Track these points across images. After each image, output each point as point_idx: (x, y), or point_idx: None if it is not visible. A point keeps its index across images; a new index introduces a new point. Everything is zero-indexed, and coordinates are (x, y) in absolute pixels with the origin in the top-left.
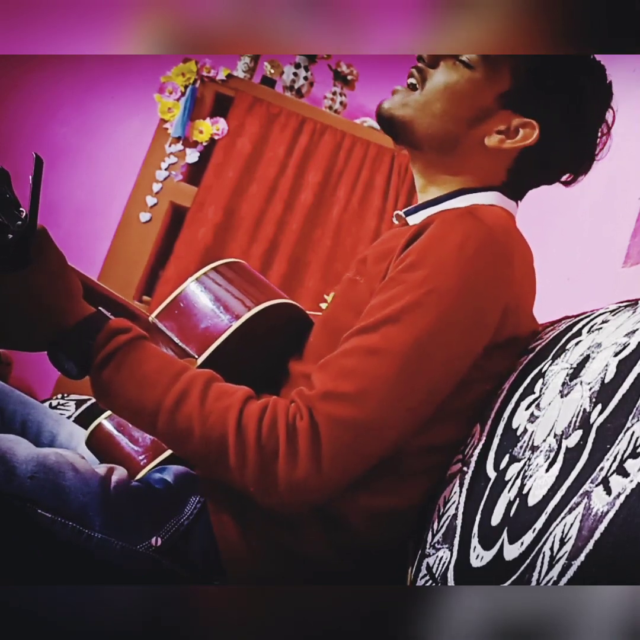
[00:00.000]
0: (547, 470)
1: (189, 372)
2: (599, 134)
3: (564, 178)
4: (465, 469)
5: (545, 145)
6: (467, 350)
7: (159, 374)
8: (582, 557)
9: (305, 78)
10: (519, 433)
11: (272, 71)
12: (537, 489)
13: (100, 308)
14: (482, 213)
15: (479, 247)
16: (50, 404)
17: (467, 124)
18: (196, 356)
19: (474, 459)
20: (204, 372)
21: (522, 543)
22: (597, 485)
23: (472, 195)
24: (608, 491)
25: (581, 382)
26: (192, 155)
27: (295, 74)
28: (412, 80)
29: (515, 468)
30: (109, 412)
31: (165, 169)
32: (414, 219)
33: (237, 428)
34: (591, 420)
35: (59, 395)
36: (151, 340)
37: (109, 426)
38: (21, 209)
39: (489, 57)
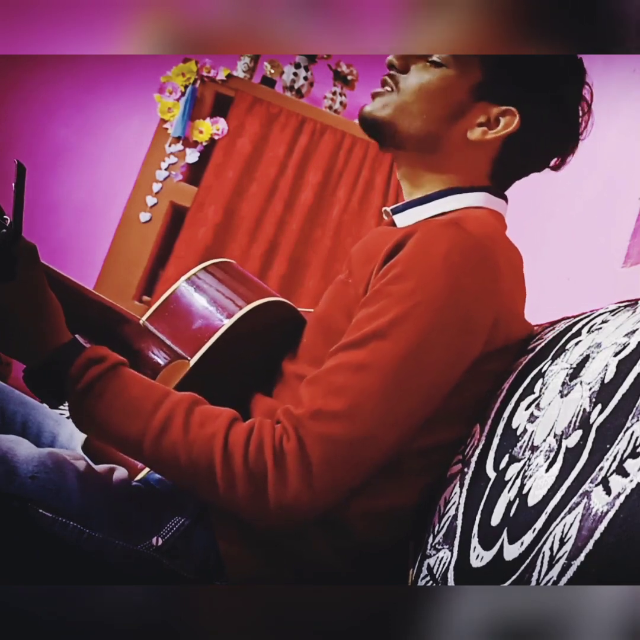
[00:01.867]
0: (547, 470)
1: (170, 398)
2: (580, 113)
3: (552, 163)
4: (465, 469)
5: (527, 131)
6: (457, 361)
7: (140, 402)
8: (581, 557)
9: (305, 78)
10: (518, 433)
11: (272, 71)
12: (537, 489)
13: (76, 336)
14: (467, 222)
15: (464, 258)
16: None
17: (447, 121)
18: (188, 358)
19: (474, 459)
20: (185, 396)
21: (522, 543)
22: (596, 485)
23: (461, 195)
24: (608, 491)
25: (581, 382)
26: (192, 155)
27: (295, 74)
28: (386, 88)
29: (515, 468)
30: None
31: (165, 169)
32: (401, 218)
33: (223, 456)
34: (591, 420)
35: None
36: (143, 344)
37: None
38: (5, 217)
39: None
